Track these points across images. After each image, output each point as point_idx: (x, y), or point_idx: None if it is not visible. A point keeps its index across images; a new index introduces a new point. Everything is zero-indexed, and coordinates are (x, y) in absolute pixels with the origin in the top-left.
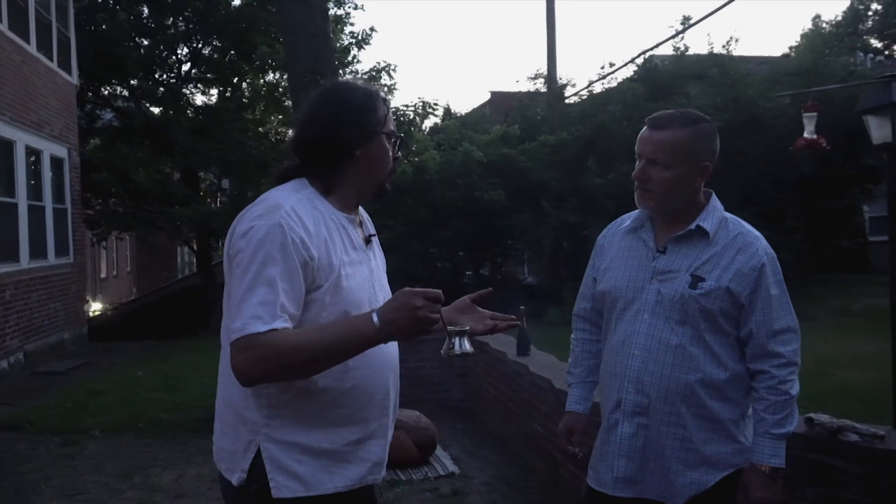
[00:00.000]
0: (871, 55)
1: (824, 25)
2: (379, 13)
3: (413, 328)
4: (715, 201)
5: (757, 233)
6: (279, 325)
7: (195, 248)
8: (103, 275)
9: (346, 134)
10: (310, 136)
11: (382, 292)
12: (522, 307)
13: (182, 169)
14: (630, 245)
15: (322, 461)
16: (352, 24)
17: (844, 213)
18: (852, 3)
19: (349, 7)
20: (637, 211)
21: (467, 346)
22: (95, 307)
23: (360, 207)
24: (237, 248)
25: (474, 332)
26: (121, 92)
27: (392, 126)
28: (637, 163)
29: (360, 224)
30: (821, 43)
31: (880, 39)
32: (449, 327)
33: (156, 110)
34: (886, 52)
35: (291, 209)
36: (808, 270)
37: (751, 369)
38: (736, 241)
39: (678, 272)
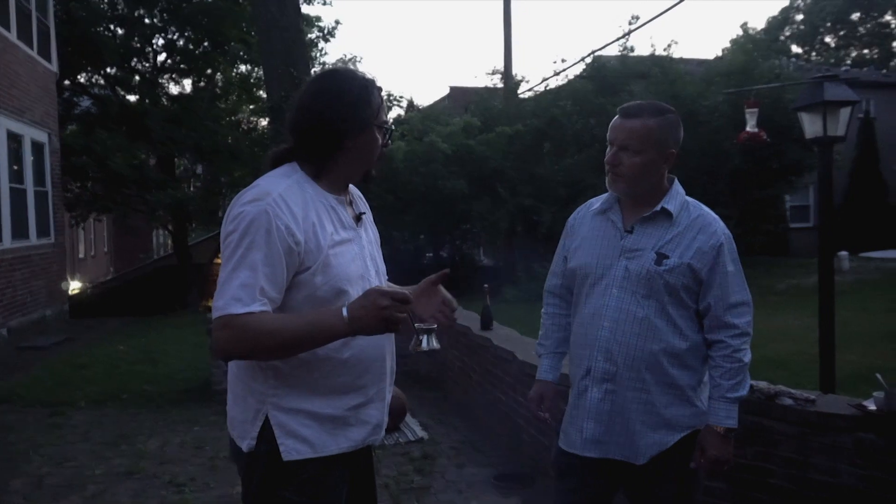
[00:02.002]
0: (793, 59)
1: (752, 31)
2: (342, 7)
3: (378, 326)
4: (677, 186)
5: (715, 215)
6: (256, 308)
7: (171, 230)
8: (81, 255)
9: (339, 125)
10: (303, 123)
11: (374, 266)
12: (486, 285)
13: (158, 155)
14: (599, 225)
15: (326, 425)
16: (320, 21)
17: (769, 201)
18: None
19: (318, 3)
20: (606, 194)
21: (434, 342)
22: (75, 286)
23: (352, 186)
24: (227, 231)
25: (420, 316)
26: (97, 80)
27: (384, 116)
28: (609, 149)
29: (351, 203)
30: (750, 47)
31: (800, 46)
32: (417, 325)
33: (132, 98)
34: (806, 58)
35: (279, 196)
36: (738, 253)
37: (708, 339)
38: (696, 222)
39: (644, 250)
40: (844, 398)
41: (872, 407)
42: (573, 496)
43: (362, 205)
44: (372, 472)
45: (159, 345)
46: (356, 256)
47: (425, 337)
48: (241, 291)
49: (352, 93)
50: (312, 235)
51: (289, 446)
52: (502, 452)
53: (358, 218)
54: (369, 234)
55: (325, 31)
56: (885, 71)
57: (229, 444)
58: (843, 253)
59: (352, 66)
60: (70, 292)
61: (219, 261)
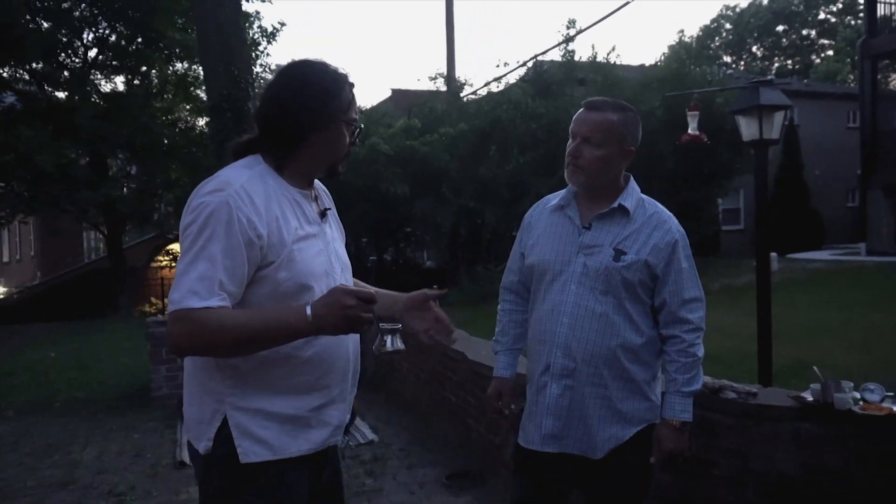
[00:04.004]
0: (723, 67)
1: (687, 39)
2: (284, 7)
3: (343, 326)
4: (633, 183)
5: (669, 213)
6: (215, 302)
7: (104, 232)
8: (6, 259)
9: (305, 118)
10: (269, 113)
11: (339, 263)
12: (435, 286)
13: (89, 153)
14: (557, 221)
15: (286, 426)
16: (261, 19)
17: (701, 203)
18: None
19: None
20: (563, 191)
21: (399, 343)
22: None
23: (317, 181)
24: (186, 223)
25: (414, 329)
26: (21, 75)
27: (354, 114)
28: (571, 141)
29: (316, 198)
30: (684, 54)
31: (730, 55)
32: (381, 324)
33: (61, 95)
34: (734, 66)
35: (241, 187)
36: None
37: (663, 334)
38: (652, 219)
39: (602, 246)
40: (783, 391)
41: (810, 398)
42: (530, 492)
43: (327, 200)
44: (339, 472)
45: (91, 350)
46: (320, 252)
47: (389, 337)
48: (199, 284)
49: (321, 85)
50: (276, 229)
51: (246, 448)
52: (452, 452)
53: (323, 213)
54: (334, 230)
55: (268, 32)
56: (806, 81)
57: (187, 446)
58: (773, 254)
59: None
60: None
61: (155, 264)
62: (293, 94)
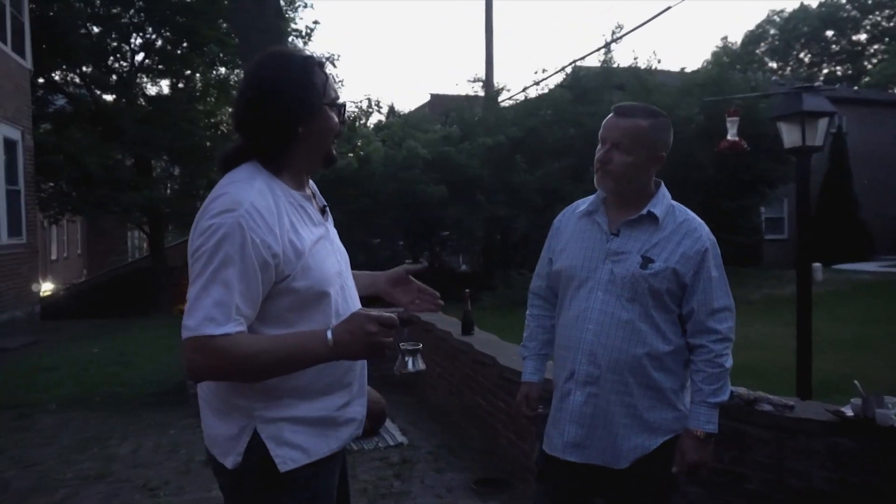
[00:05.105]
0: (767, 73)
1: (731, 45)
2: (321, 9)
3: (364, 352)
4: (664, 190)
5: (700, 220)
6: (233, 329)
7: (147, 231)
8: (54, 256)
9: (287, 114)
10: (250, 118)
11: (343, 259)
12: (467, 290)
13: (133, 156)
14: (585, 227)
15: (317, 428)
16: (296, 22)
17: (741, 212)
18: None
19: (299, 5)
20: (592, 196)
21: (420, 364)
22: (46, 288)
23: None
24: (196, 245)
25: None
26: (72, 78)
27: (333, 92)
28: (600, 146)
29: (314, 196)
30: (725, 60)
31: (775, 61)
32: (402, 345)
33: (109, 98)
34: (780, 73)
35: (252, 206)
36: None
37: (690, 343)
38: (682, 226)
39: (630, 253)
40: (822, 405)
41: (850, 413)
42: (553, 499)
43: (321, 197)
44: (346, 471)
45: (131, 347)
46: (329, 253)
47: (410, 359)
48: (216, 310)
49: (291, 76)
50: (289, 244)
51: (284, 456)
52: (481, 457)
53: (323, 210)
54: (330, 226)
55: (303, 33)
56: (856, 88)
57: (207, 456)
58: (817, 265)
59: (291, 46)
60: (41, 294)
61: None
62: (268, 92)
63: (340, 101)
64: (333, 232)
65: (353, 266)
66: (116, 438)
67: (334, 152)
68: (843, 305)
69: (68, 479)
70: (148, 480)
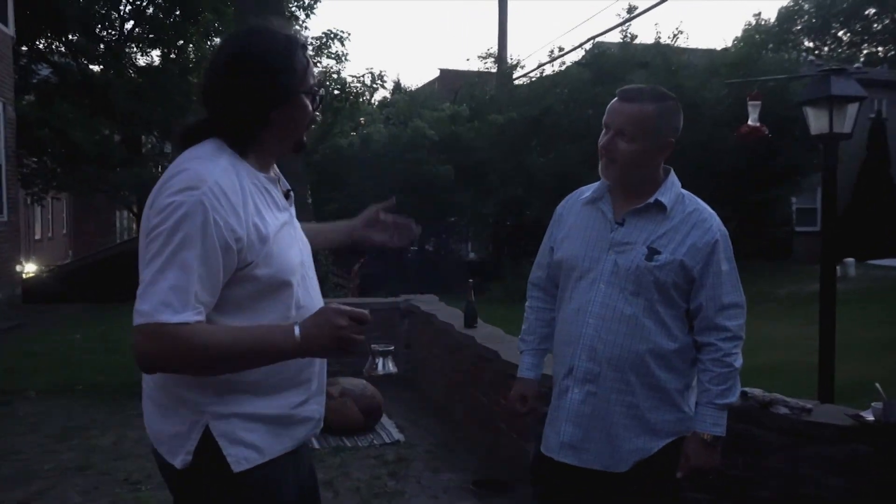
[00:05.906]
0: (803, 53)
1: (763, 22)
2: None
3: (332, 348)
4: (673, 177)
5: (711, 210)
6: (191, 317)
7: (136, 212)
8: (38, 236)
9: (260, 96)
10: (219, 94)
11: (306, 250)
12: (470, 280)
13: (123, 131)
14: (589, 215)
15: (272, 426)
16: None
17: (771, 203)
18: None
19: None
20: (598, 182)
21: (391, 366)
22: (29, 269)
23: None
24: (153, 224)
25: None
26: (57, 47)
27: (312, 80)
28: (604, 133)
29: (278, 179)
30: (758, 38)
31: (812, 40)
32: (373, 346)
33: (96, 69)
34: (817, 52)
35: (216, 184)
36: (737, 257)
37: (698, 341)
38: (692, 216)
39: (635, 244)
40: (841, 408)
41: (870, 418)
42: (546, 503)
43: (285, 181)
44: (313, 469)
45: (117, 334)
46: (293, 241)
47: (381, 360)
48: (172, 295)
49: (270, 57)
50: (254, 228)
51: (238, 456)
52: (480, 457)
53: (287, 195)
54: (295, 211)
55: (306, 4)
56: None
57: (154, 457)
58: (850, 260)
59: (273, 23)
60: (24, 275)
61: None
62: (243, 71)
63: (319, 91)
64: (296, 220)
65: (357, 253)
66: (98, 429)
67: (305, 139)
68: (876, 303)
69: (46, 470)
70: (129, 474)
